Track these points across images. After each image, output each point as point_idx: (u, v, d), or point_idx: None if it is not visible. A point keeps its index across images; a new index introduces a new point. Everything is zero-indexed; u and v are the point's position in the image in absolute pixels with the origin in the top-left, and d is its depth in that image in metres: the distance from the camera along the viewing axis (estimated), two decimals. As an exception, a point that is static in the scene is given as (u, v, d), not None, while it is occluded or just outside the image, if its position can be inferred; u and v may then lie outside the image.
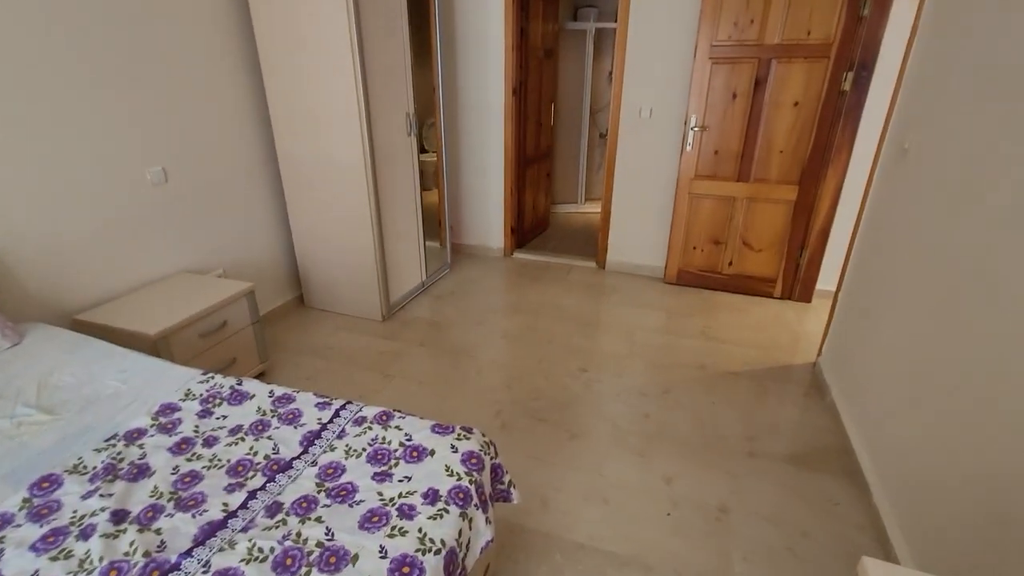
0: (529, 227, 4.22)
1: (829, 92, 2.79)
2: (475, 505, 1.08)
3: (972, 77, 1.50)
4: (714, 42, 2.89)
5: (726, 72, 2.93)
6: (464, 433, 1.23)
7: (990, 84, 1.40)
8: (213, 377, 1.47)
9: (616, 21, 3.22)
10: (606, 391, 2.32)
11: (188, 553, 0.93)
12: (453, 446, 1.18)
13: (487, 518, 1.11)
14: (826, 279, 3.05)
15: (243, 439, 1.24)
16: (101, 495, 1.06)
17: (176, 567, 0.91)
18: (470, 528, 1.05)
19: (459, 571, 0.99)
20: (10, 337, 1.59)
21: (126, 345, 1.68)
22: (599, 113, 5.13)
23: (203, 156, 2.40)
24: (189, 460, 1.18)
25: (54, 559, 0.93)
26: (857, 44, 2.68)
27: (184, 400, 1.38)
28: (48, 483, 1.10)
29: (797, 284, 3.19)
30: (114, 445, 1.21)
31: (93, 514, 1.02)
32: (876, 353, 1.88)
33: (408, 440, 1.21)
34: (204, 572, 0.89)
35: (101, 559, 0.92)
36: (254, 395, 1.39)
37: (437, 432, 1.23)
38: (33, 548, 0.95)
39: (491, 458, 1.24)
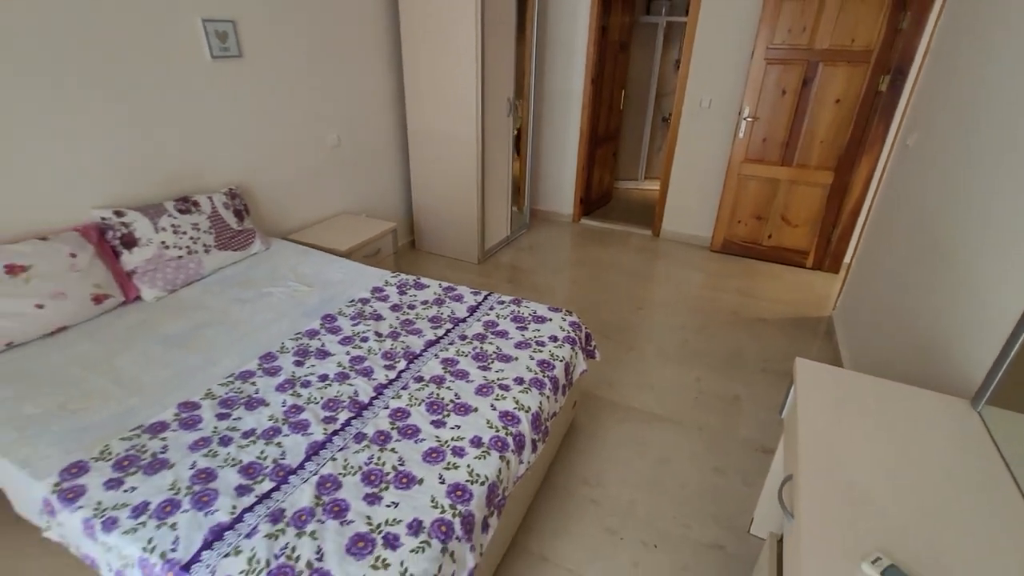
0: (595, 198, 4.86)
1: (867, 92, 3.28)
2: (578, 347, 1.81)
3: (957, 91, 2.04)
4: (770, 45, 3.41)
5: (778, 71, 3.45)
6: (567, 312, 1.96)
7: (969, 98, 1.94)
8: (400, 275, 2.26)
9: (686, 15, 3.76)
10: (656, 323, 3.00)
11: (425, 350, 1.71)
12: (563, 318, 1.92)
13: (584, 357, 1.84)
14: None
15: (431, 307, 2.01)
16: (363, 325, 1.86)
17: (420, 355, 1.69)
18: (576, 357, 1.79)
19: (568, 379, 1.73)
20: (265, 244, 2.44)
21: (332, 255, 2.50)
22: (664, 99, 5.64)
23: (359, 127, 3.20)
24: (403, 315, 1.96)
25: (354, 347, 1.73)
26: (895, 52, 3.14)
27: (385, 286, 2.17)
28: (330, 318, 1.90)
29: (827, 257, 3.72)
30: (355, 304, 2.02)
31: (364, 332, 1.81)
32: (868, 302, 2.46)
33: (534, 313, 1.95)
34: (436, 358, 1.67)
35: (380, 349, 1.71)
36: (429, 285, 2.17)
37: (552, 310, 1.96)
38: (339, 344, 1.75)
39: (584, 328, 1.96)
